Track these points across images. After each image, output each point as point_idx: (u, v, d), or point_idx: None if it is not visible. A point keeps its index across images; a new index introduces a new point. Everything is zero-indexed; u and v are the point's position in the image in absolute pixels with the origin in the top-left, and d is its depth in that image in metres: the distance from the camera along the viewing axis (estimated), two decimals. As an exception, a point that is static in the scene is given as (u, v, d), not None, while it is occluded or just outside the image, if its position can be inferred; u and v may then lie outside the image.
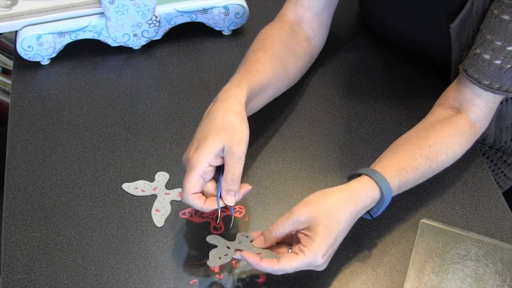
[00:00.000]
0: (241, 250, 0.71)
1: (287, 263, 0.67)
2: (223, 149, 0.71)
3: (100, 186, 0.84)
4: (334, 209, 0.69)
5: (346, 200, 0.71)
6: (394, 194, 0.76)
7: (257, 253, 0.70)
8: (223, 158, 0.72)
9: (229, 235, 0.79)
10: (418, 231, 0.80)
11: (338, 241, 0.70)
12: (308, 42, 0.93)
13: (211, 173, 0.72)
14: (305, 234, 0.69)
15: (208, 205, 0.71)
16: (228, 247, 0.72)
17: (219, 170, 0.73)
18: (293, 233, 0.71)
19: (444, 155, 0.79)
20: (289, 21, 0.92)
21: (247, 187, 0.74)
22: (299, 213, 0.69)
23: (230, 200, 0.72)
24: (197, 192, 0.71)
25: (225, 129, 0.72)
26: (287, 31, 0.91)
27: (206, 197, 0.73)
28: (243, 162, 0.72)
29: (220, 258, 0.71)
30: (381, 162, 0.77)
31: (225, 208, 0.81)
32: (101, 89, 0.97)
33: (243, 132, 0.73)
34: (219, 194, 0.72)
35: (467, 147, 0.83)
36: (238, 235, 0.73)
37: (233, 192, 0.72)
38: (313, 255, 0.67)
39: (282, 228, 0.70)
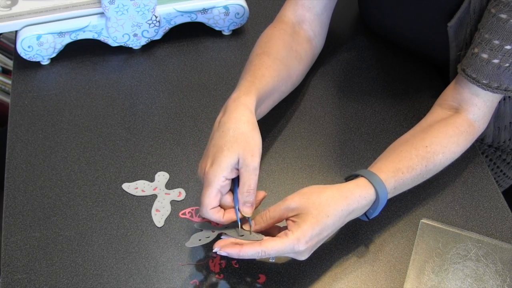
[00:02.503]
0: (220, 235, 0.72)
1: (269, 244, 0.68)
2: (238, 162, 0.72)
3: (100, 186, 0.84)
4: (325, 203, 0.70)
5: (339, 197, 0.71)
6: (389, 195, 0.76)
7: (240, 235, 0.71)
8: (238, 170, 0.72)
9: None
10: (418, 231, 0.80)
11: (324, 233, 0.70)
12: (309, 43, 0.93)
13: (227, 186, 0.72)
14: (293, 221, 0.70)
15: (227, 218, 0.72)
16: (213, 231, 0.73)
17: (235, 182, 0.74)
18: (283, 220, 0.72)
19: (440, 155, 0.79)
20: (290, 22, 0.92)
21: (262, 194, 0.75)
22: (291, 200, 0.71)
23: (247, 211, 0.72)
24: (215, 206, 0.72)
25: (238, 141, 0.72)
26: (288, 33, 0.90)
27: (224, 209, 0.73)
28: (257, 173, 0.72)
29: (200, 240, 0.72)
30: (377, 163, 0.78)
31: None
32: (101, 89, 0.97)
33: (256, 142, 0.73)
34: (237, 207, 0.72)
35: (466, 147, 0.83)
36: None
37: (249, 204, 0.72)
38: (296, 239, 0.68)
39: (273, 213, 0.71)
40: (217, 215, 0.72)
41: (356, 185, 0.73)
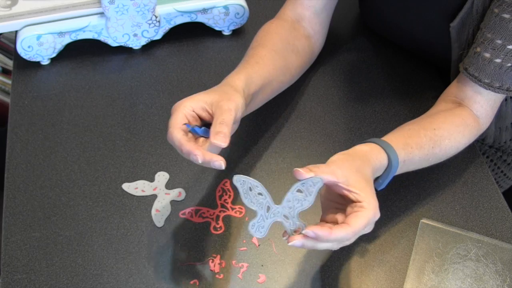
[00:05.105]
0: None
1: (356, 222, 0.63)
2: (211, 104, 0.71)
3: (100, 186, 0.84)
4: (361, 167, 0.68)
5: (364, 162, 0.69)
6: (400, 167, 0.74)
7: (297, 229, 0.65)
8: (209, 113, 0.71)
9: (229, 235, 0.79)
10: (418, 231, 0.80)
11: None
12: (308, 39, 0.93)
13: (193, 117, 0.71)
14: (349, 190, 0.65)
15: (188, 144, 0.67)
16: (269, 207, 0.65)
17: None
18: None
19: (447, 141, 0.79)
20: (289, 19, 0.93)
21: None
22: (337, 169, 0.66)
23: (220, 139, 0.67)
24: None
25: (218, 91, 0.73)
26: (286, 28, 0.91)
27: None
28: (233, 114, 0.69)
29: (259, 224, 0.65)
30: (386, 137, 0.76)
31: (225, 208, 0.81)
32: (101, 89, 0.97)
33: (234, 96, 0.72)
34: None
35: (470, 140, 0.83)
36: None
37: (222, 134, 0.67)
38: (374, 206, 0.65)
39: (321, 171, 0.65)
40: (179, 135, 0.68)
41: (370, 149, 0.72)
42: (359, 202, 0.65)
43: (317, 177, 0.64)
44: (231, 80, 0.77)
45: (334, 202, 0.69)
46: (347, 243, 0.65)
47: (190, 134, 0.71)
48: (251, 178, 0.64)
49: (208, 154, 0.67)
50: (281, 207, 0.65)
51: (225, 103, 0.70)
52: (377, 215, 0.66)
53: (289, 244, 0.64)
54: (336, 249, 0.67)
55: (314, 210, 0.68)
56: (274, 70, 0.84)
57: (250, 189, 0.64)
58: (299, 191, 0.64)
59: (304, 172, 0.64)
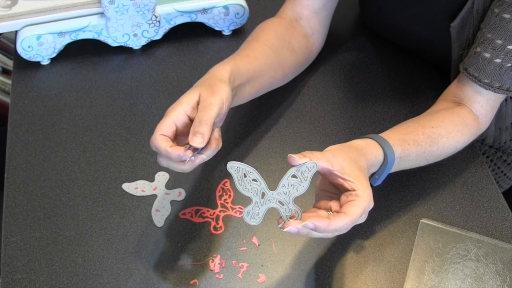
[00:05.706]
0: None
1: (353, 211, 0.63)
2: (198, 102, 0.71)
3: (100, 186, 0.84)
4: (356, 158, 0.68)
5: (359, 155, 0.70)
6: (396, 163, 0.74)
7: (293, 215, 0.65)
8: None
9: (229, 235, 0.79)
10: (418, 231, 0.80)
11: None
12: (305, 38, 0.93)
13: (184, 121, 0.71)
14: (344, 179, 0.65)
15: (173, 149, 0.68)
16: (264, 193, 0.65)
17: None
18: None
19: (444, 139, 0.79)
20: (287, 18, 0.93)
21: (218, 132, 0.72)
22: (333, 158, 0.66)
23: (196, 140, 0.67)
24: (166, 135, 0.70)
25: (203, 85, 0.73)
26: (283, 25, 0.91)
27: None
28: (214, 110, 0.70)
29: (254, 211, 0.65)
30: (384, 133, 0.77)
31: (225, 208, 0.81)
32: (101, 89, 0.97)
33: (219, 88, 0.72)
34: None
35: (469, 140, 0.83)
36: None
37: (199, 134, 0.68)
38: (368, 195, 0.65)
39: (316, 157, 0.66)
40: (164, 143, 0.68)
41: (366, 143, 0.72)
42: (354, 190, 0.65)
43: (312, 162, 0.64)
44: (216, 70, 0.77)
45: (328, 192, 0.69)
46: (342, 232, 0.65)
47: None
48: (245, 164, 0.64)
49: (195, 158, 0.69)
50: (276, 193, 0.64)
51: (208, 97, 0.71)
52: (371, 203, 0.66)
53: (285, 230, 0.63)
54: (330, 237, 0.67)
55: (309, 196, 0.68)
56: (265, 65, 0.84)
57: (245, 176, 0.64)
58: (294, 176, 0.64)
59: (298, 158, 0.64)
